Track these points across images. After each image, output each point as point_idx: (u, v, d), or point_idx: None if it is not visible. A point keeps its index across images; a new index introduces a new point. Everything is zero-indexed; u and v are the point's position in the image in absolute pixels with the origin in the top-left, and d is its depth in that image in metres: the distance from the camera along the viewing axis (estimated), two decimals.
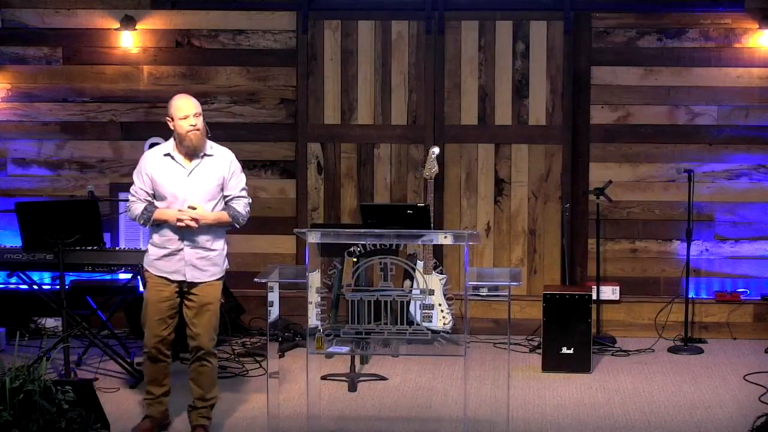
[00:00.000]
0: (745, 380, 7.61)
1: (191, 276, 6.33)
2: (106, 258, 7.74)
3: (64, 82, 9.03)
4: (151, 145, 8.78)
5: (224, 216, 6.35)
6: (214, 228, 6.36)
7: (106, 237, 8.22)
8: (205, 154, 6.36)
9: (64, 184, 9.08)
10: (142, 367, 6.72)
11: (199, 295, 6.36)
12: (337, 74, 8.90)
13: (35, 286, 7.96)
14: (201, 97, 8.89)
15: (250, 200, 6.53)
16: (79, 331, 7.71)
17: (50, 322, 8.78)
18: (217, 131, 8.87)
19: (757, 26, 8.61)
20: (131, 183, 9.08)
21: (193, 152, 6.32)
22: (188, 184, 6.31)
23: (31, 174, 9.10)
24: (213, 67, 8.97)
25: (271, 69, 8.95)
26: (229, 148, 8.95)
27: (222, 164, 6.39)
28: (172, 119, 6.29)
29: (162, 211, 6.31)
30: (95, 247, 7.63)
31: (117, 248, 8.28)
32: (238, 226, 6.45)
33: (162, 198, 6.34)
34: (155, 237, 6.38)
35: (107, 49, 8.97)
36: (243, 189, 6.46)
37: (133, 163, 8.90)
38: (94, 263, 7.70)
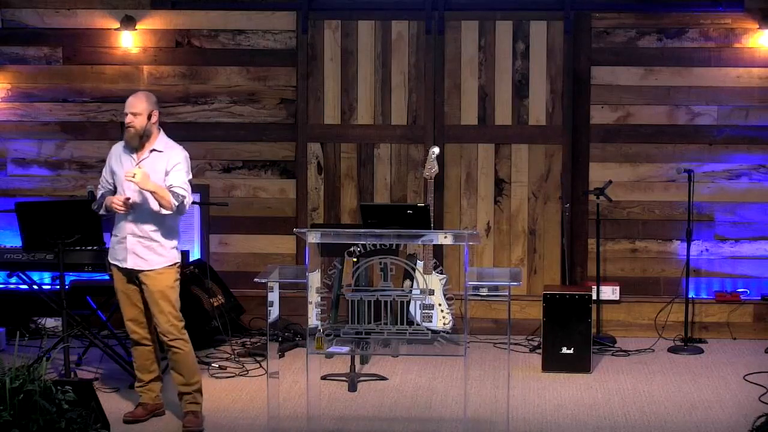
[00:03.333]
0: (745, 380, 7.61)
1: (132, 263, 6.56)
2: (106, 258, 7.73)
3: (64, 82, 9.03)
4: None
5: (165, 191, 6.43)
6: (160, 219, 6.52)
7: (106, 237, 8.19)
8: (154, 150, 6.58)
9: (64, 184, 9.08)
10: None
11: (148, 284, 6.56)
12: (337, 74, 8.90)
13: (35, 286, 7.96)
14: (201, 97, 8.96)
15: (189, 199, 6.56)
16: (79, 331, 7.71)
17: (50, 322, 8.78)
18: (217, 131, 8.95)
19: (757, 26, 8.61)
20: None
21: (132, 149, 6.58)
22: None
23: (31, 174, 9.10)
24: (213, 67, 8.97)
25: (271, 69, 8.95)
26: (230, 148, 9.04)
27: (167, 160, 6.57)
28: None
29: (108, 198, 6.56)
30: (95, 247, 7.63)
31: None
32: (173, 210, 6.45)
33: (118, 188, 6.62)
34: (114, 228, 6.67)
35: (107, 49, 8.97)
36: (184, 183, 6.51)
37: None
38: (94, 263, 7.70)
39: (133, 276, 6.60)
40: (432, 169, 8.07)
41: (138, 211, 6.52)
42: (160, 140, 6.61)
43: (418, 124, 8.89)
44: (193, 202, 6.85)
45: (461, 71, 8.83)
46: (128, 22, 8.82)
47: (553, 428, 6.73)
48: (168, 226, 6.58)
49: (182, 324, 6.61)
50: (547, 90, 8.79)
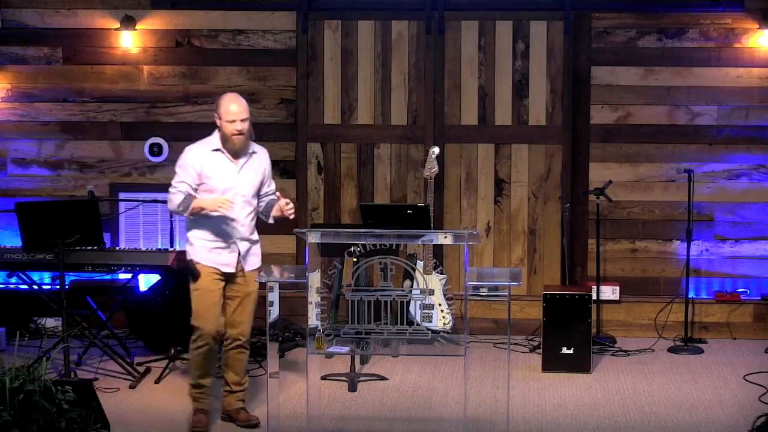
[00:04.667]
0: (745, 380, 7.61)
1: (247, 265, 6.63)
2: (106, 258, 7.73)
3: (64, 82, 9.03)
4: (151, 146, 8.82)
5: None
6: (254, 224, 6.68)
7: (106, 237, 8.22)
8: (253, 152, 6.62)
9: (64, 184, 9.08)
10: (188, 362, 6.82)
11: (243, 285, 6.63)
12: (337, 74, 8.90)
13: (35, 286, 7.96)
14: (201, 97, 8.96)
15: None
16: (79, 331, 7.71)
17: (50, 322, 8.77)
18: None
19: (757, 26, 8.61)
20: (131, 183, 9.08)
21: (235, 153, 6.53)
22: (239, 178, 6.54)
23: (31, 174, 9.10)
24: (213, 67, 8.97)
25: (271, 69, 8.95)
26: None
27: (264, 161, 6.69)
28: (220, 118, 6.50)
29: (199, 200, 6.46)
30: (95, 247, 7.63)
31: (117, 248, 8.27)
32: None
33: (210, 191, 6.50)
34: (203, 232, 6.54)
35: (107, 49, 8.97)
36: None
37: (133, 163, 8.97)
38: (94, 263, 7.70)
39: (230, 278, 6.60)
40: (432, 169, 8.07)
41: (246, 217, 6.58)
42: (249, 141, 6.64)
43: (418, 124, 8.89)
44: None
45: (461, 71, 8.83)
46: (128, 22, 8.82)
47: (553, 428, 6.73)
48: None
49: None
50: (547, 90, 8.79)
